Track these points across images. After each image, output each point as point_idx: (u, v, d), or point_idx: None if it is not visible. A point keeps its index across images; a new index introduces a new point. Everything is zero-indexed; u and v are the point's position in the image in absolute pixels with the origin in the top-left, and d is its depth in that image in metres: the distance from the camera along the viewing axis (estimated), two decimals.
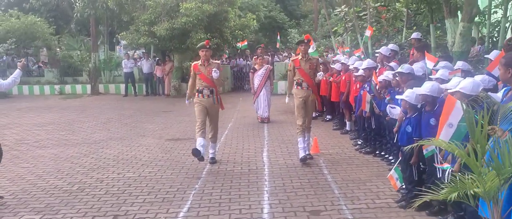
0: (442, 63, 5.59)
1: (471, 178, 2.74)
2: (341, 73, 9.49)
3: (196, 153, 6.47)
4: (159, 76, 19.01)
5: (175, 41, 16.86)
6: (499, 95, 3.54)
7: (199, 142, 6.65)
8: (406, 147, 4.30)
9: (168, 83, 18.71)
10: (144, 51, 21.92)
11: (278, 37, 21.30)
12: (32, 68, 23.65)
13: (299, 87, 7.05)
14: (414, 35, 9.45)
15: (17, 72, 6.15)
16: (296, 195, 5.45)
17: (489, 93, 3.56)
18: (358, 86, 7.79)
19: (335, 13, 17.92)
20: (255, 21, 20.66)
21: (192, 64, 7.14)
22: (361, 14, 16.29)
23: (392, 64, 7.11)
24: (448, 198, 2.71)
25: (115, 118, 12.74)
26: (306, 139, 7.07)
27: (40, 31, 21.89)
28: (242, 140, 8.98)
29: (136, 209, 5.15)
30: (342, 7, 17.19)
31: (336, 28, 18.12)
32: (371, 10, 15.08)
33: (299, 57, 7.10)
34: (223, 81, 7.86)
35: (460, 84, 3.84)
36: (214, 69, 6.71)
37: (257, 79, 11.07)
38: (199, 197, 5.51)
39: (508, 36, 9.43)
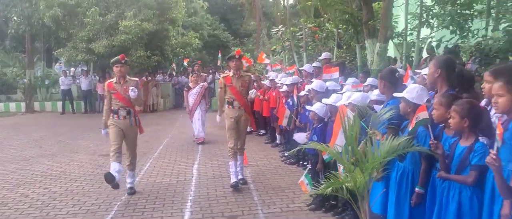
0: (351, 80, 6.18)
1: (345, 174, 3.18)
2: (271, 90, 9.99)
3: (109, 178, 5.75)
4: (100, 93, 18.81)
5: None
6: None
7: (114, 167, 5.91)
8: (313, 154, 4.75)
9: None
10: (84, 68, 21.65)
11: (219, 55, 21.71)
12: None
13: (230, 106, 6.45)
14: (324, 55, 10.17)
15: None
16: (217, 202, 5.76)
17: (374, 105, 4.07)
18: (284, 101, 8.27)
19: (273, 32, 18.60)
20: (197, 39, 21.04)
21: (106, 83, 6.29)
22: (297, 34, 17.09)
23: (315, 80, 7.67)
24: (324, 192, 3.12)
25: (49, 135, 12.53)
26: (239, 162, 6.52)
27: None
28: (175, 154, 9.19)
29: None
30: (280, 26, 17.97)
31: (274, 46, 18.82)
32: (306, 30, 15.87)
33: (231, 74, 6.45)
34: (142, 101, 6.70)
35: (352, 96, 4.34)
36: (131, 88, 5.89)
37: (191, 98, 10.55)
38: (123, 207, 5.69)
39: (424, 55, 10.33)
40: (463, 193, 2.93)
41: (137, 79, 6.44)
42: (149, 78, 19.09)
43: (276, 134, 9.90)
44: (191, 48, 20.41)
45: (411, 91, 3.41)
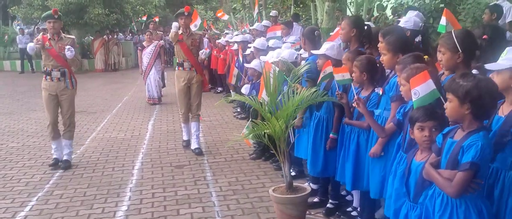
0: (292, 38, 6.58)
1: (265, 123, 3.62)
2: (227, 48, 10.31)
3: (54, 164, 5.62)
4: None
5: (72, 16, 16.67)
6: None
7: (55, 147, 5.71)
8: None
9: None
10: (38, 26, 21.19)
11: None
12: None
13: (180, 68, 6.16)
14: (272, 13, 10.52)
15: None
16: (167, 154, 6.19)
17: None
18: (235, 59, 8.63)
19: None
20: None
21: (41, 35, 5.70)
22: None
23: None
24: (246, 137, 3.57)
25: (7, 94, 12.55)
26: (194, 129, 6.20)
27: None
28: (133, 112, 9.49)
29: (15, 172, 5.57)
30: None
31: (235, 5, 18.93)
32: None
33: (180, 31, 6.05)
34: (80, 61, 6.54)
35: (282, 53, 4.76)
36: (67, 47, 5.34)
37: (145, 57, 10.11)
38: (78, 159, 6.04)
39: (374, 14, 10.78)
40: (361, 136, 3.44)
41: (73, 36, 5.93)
42: (110, 36, 18.98)
43: (231, 91, 10.30)
44: (152, 6, 20.24)
45: (331, 48, 3.83)
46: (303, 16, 13.54)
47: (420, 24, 4.20)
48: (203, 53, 6.20)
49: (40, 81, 5.78)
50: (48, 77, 5.58)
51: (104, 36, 18.68)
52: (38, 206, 4.48)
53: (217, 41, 11.36)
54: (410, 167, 2.48)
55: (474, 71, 2.26)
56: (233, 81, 7.69)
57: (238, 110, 8.84)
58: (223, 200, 4.47)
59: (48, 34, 5.57)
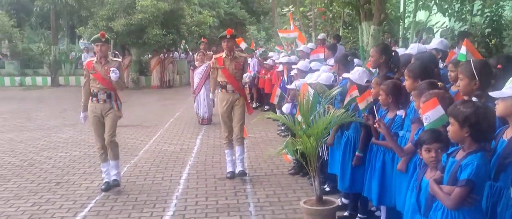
0: (332, 61, 6.89)
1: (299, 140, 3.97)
2: (273, 68, 10.75)
3: (106, 189, 5.54)
4: None
5: (133, 36, 17.80)
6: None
7: (104, 170, 5.67)
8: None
9: (127, 76, 19.56)
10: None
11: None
12: None
13: (223, 90, 6.04)
14: (320, 36, 10.79)
15: None
16: (212, 167, 6.64)
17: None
18: (280, 79, 9.03)
19: (283, 12, 19.18)
20: (211, 18, 21.76)
21: (85, 62, 5.83)
22: (307, 14, 17.66)
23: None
24: (280, 151, 3.94)
25: (72, 107, 13.59)
26: (239, 153, 6.05)
27: (0, 23, 22.28)
28: (183, 127, 10.09)
29: (77, 178, 6.22)
30: (290, 6, 18.55)
31: (285, 26, 19.41)
32: (315, 10, 16.44)
33: (223, 55, 6.05)
34: (124, 84, 6.17)
35: (321, 76, 5.09)
36: (112, 69, 5.34)
37: (196, 77, 10.28)
38: (132, 169, 6.63)
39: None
40: (386, 154, 3.70)
41: (119, 59, 6.04)
42: (166, 55, 20.04)
43: (276, 109, 10.68)
44: (206, 27, 21.15)
45: (355, 73, 4.15)
46: (351, 38, 13.79)
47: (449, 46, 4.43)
48: (247, 77, 6.10)
49: None
50: (94, 99, 5.58)
51: (161, 55, 19.76)
52: (95, 208, 5.04)
53: (265, 62, 11.81)
54: (421, 184, 2.74)
55: (473, 99, 2.51)
56: (275, 101, 8.02)
57: (282, 128, 9.19)
58: (260, 210, 4.83)
59: (94, 58, 5.62)
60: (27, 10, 26.00)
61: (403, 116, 3.57)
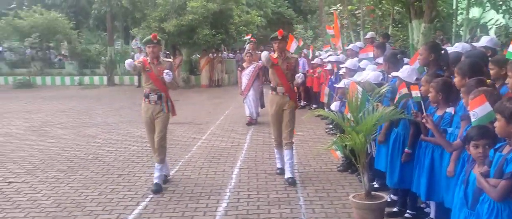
0: (380, 59, 6.94)
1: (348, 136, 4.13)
2: (322, 67, 10.87)
3: (157, 190, 5.55)
4: None
5: (183, 37, 18.41)
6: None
7: (157, 166, 5.75)
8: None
9: (178, 75, 20.25)
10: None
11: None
12: (54, 60, 25.49)
13: (273, 92, 5.94)
14: (369, 35, 10.75)
15: None
16: (262, 162, 6.89)
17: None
18: (328, 78, 9.16)
19: (330, 11, 19.16)
20: (259, 18, 22.07)
21: (142, 58, 6.02)
22: (356, 12, 17.59)
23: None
24: (329, 147, 4.11)
25: (127, 105, 14.31)
26: (288, 158, 5.84)
27: (61, 26, 23.66)
28: (233, 124, 10.41)
29: (136, 170, 6.64)
30: (338, 5, 18.52)
31: (333, 25, 19.37)
32: (364, 8, 16.35)
33: (275, 55, 5.94)
34: (177, 84, 6.19)
35: (369, 75, 5.21)
36: (166, 71, 5.44)
37: (245, 78, 10.22)
38: (186, 163, 6.99)
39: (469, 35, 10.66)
40: (435, 151, 3.79)
41: (171, 60, 6.10)
42: (215, 55, 20.55)
43: (324, 107, 10.79)
44: (254, 26, 21.48)
45: (404, 71, 4.25)
46: (401, 36, 13.65)
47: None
48: (299, 77, 5.94)
49: None
50: (146, 99, 5.69)
51: (210, 55, 20.29)
52: (155, 198, 5.40)
53: (312, 61, 11.93)
54: (468, 178, 2.84)
55: None
56: (325, 99, 8.17)
57: (330, 126, 9.31)
58: (309, 204, 5.02)
59: (148, 58, 5.70)
60: (85, 13, 27.46)
61: (453, 113, 3.64)
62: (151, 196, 5.47)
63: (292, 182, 5.70)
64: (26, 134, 9.79)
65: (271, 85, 6.01)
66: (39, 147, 8.44)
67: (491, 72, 3.69)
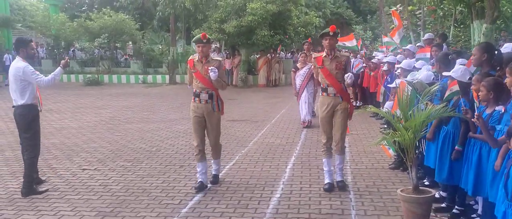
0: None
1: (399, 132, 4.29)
2: (379, 67, 10.89)
3: (200, 188, 5.59)
4: (227, 68, 21.18)
5: (242, 37, 18.94)
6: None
7: (200, 169, 5.70)
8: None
9: (236, 75, 20.88)
10: (216, 45, 24.28)
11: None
12: (120, 60, 26.99)
13: (324, 94, 5.56)
14: (427, 35, 10.59)
15: (58, 70, 5.86)
16: (316, 159, 7.10)
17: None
18: (384, 78, 9.20)
19: (390, 12, 18.90)
20: (318, 18, 22.19)
21: (188, 59, 5.93)
22: (417, 12, 17.29)
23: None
24: (378, 142, 4.29)
25: (187, 103, 14.76)
26: (338, 162, 5.59)
27: (128, 27, 25.04)
28: (288, 122, 10.69)
29: (188, 164, 7.09)
30: (398, 6, 18.28)
31: (392, 25, 19.13)
32: (425, 8, 16.05)
33: (324, 54, 5.58)
34: (226, 83, 6.22)
35: (421, 74, 5.30)
36: (211, 68, 5.42)
37: (298, 79, 10.07)
38: (243, 157, 7.35)
39: None
40: (483, 148, 3.87)
41: (220, 58, 6.02)
42: (273, 55, 20.92)
43: (380, 107, 10.80)
44: (312, 27, 21.63)
45: (457, 71, 4.33)
46: (463, 37, 13.31)
47: None
48: (348, 77, 5.44)
49: None
50: (196, 99, 5.66)
51: (268, 55, 20.70)
52: (214, 187, 5.79)
53: (371, 61, 11.95)
54: (509, 171, 2.94)
55: None
56: (380, 98, 8.27)
57: (385, 126, 9.33)
58: (359, 198, 5.20)
59: (196, 56, 5.70)
60: (150, 15, 28.82)
61: (502, 111, 3.71)
62: (209, 185, 5.86)
63: (342, 186, 5.50)
64: (96, 127, 10.60)
65: (322, 86, 5.64)
66: (108, 139, 9.15)
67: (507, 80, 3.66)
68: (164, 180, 6.18)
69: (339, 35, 6.00)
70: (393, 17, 11.38)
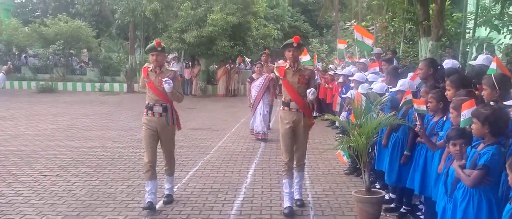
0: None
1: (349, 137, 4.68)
2: (334, 79, 11.44)
3: (148, 208, 5.11)
4: (186, 77, 21.34)
5: (202, 48, 19.19)
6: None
7: (149, 188, 5.20)
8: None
9: (195, 84, 21.06)
10: (175, 55, 24.34)
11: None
12: (75, 67, 26.47)
13: (285, 108, 5.18)
14: (376, 50, 11.30)
15: (0, 76, 5.71)
16: (276, 165, 7.42)
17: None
18: (339, 90, 9.72)
19: (346, 27, 19.77)
20: (276, 31, 22.79)
21: (143, 67, 5.48)
22: (369, 28, 18.15)
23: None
24: (334, 147, 4.66)
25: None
26: (297, 180, 5.33)
27: (84, 34, 24.64)
28: (248, 131, 10.95)
29: (160, 168, 7.16)
30: (352, 21, 19.15)
31: (348, 39, 19.99)
32: (377, 25, 16.93)
33: (286, 66, 5.20)
34: (181, 94, 5.46)
35: (375, 86, 5.76)
36: (165, 79, 5.00)
37: (254, 90, 9.71)
38: (205, 164, 7.58)
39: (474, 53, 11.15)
40: (428, 151, 4.32)
41: (175, 69, 5.55)
42: (232, 65, 21.27)
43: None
44: (270, 39, 22.19)
45: (403, 84, 4.80)
46: (411, 52, 14.15)
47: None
48: (311, 92, 4.98)
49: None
50: (149, 111, 5.23)
51: (227, 65, 21.02)
52: (178, 191, 6.00)
53: (327, 73, 12.51)
54: (448, 171, 3.37)
55: (491, 103, 3.14)
56: (337, 108, 8.77)
57: (340, 135, 9.82)
58: (317, 200, 5.58)
59: (151, 65, 5.29)
60: (107, 22, 28.44)
61: (444, 119, 4.17)
62: (175, 189, 6.04)
63: (300, 204, 5.28)
64: (54, 134, 10.50)
65: (283, 99, 5.26)
66: (67, 146, 9.11)
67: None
68: (128, 185, 6.31)
69: (303, 46, 5.75)
70: (356, 32, 11.95)
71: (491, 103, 3.25)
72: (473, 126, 3.13)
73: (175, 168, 5.78)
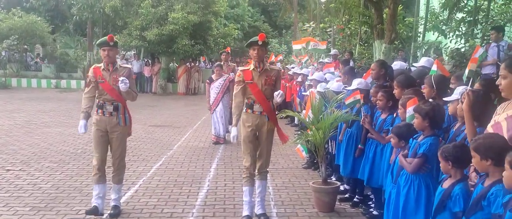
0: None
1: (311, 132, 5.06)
2: (293, 78, 11.88)
3: (92, 212, 4.82)
4: (146, 75, 21.29)
5: (163, 46, 19.21)
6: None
7: (97, 192, 4.90)
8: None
9: (156, 82, 21.05)
10: (135, 52, 24.17)
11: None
12: (30, 63, 25.73)
13: (248, 110, 4.83)
14: (333, 52, 11.87)
15: None
16: (237, 160, 7.71)
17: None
18: (297, 89, 10.15)
19: (304, 28, 20.37)
20: (236, 31, 23.11)
21: (92, 68, 4.99)
22: (327, 30, 18.81)
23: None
24: (294, 141, 5.03)
25: None
26: (260, 190, 4.87)
27: (39, 29, 24.03)
28: (209, 128, 11.21)
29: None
30: (311, 23, 19.77)
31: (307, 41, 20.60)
32: (334, 27, 17.58)
33: (251, 67, 4.84)
34: (136, 93, 5.10)
35: (332, 85, 6.18)
36: (121, 79, 4.69)
37: (213, 92, 9.29)
38: (169, 159, 7.79)
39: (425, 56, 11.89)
40: (378, 146, 4.76)
41: (129, 66, 5.24)
42: (192, 64, 21.40)
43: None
44: (231, 38, 22.48)
45: (361, 83, 5.23)
46: (366, 54, 14.84)
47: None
48: (278, 95, 4.70)
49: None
50: (99, 111, 4.89)
51: (187, 64, 21.14)
52: (144, 185, 6.21)
53: (287, 73, 12.96)
54: (395, 160, 3.80)
55: (430, 100, 3.59)
56: (299, 108, 9.16)
57: (299, 132, 10.25)
58: (277, 192, 5.93)
59: (101, 65, 4.90)
60: (63, 17, 27.82)
61: (394, 116, 4.61)
62: (140, 182, 6.25)
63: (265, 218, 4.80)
64: (12, 130, 10.36)
65: (246, 101, 4.88)
66: (27, 142, 9.07)
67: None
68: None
69: (268, 44, 5.41)
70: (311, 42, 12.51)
71: (430, 100, 3.70)
72: (415, 120, 3.56)
73: (139, 163, 6.00)
